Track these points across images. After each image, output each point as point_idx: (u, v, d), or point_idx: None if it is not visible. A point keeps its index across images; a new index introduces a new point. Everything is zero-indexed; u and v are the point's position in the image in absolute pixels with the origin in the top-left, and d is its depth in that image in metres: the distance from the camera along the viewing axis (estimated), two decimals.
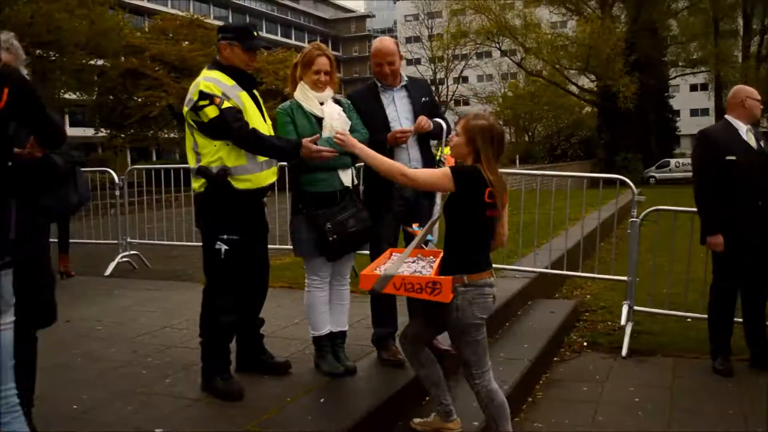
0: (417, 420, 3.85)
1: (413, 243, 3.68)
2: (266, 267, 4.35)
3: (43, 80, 24.52)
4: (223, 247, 3.90)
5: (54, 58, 25.18)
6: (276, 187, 5.94)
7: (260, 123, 3.99)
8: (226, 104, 3.82)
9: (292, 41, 78.43)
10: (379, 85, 4.44)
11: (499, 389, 3.58)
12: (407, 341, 3.71)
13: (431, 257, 3.74)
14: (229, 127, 3.80)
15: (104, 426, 3.51)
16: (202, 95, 3.81)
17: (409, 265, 3.61)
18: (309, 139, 3.93)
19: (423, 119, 4.30)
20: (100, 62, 29.66)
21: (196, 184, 3.98)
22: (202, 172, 3.90)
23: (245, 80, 4.04)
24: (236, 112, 3.84)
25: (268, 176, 4.04)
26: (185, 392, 3.96)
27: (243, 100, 3.93)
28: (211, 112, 3.80)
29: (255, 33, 4.08)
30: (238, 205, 3.93)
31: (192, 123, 3.89)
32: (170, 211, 9.65)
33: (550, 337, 5.72)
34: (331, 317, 4.28)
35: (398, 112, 4.39)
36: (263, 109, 4.14)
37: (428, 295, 3.28)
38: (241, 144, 3.85)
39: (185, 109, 3.93)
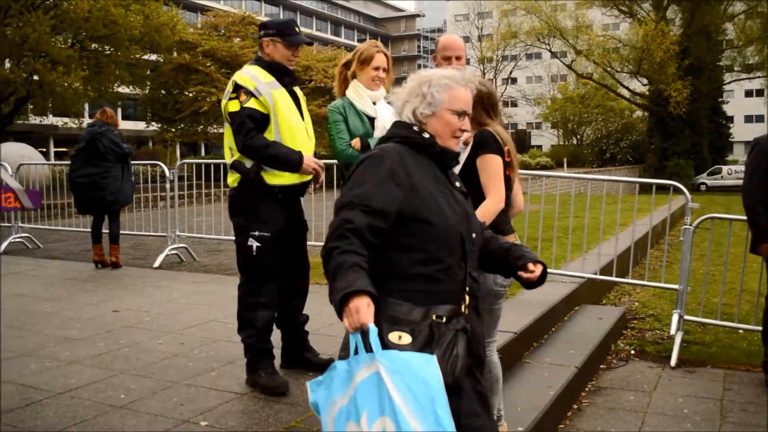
0: None
1: None
2: (304, 264, 4.31)
3: (98, 74, 25.02)
4: (255, 244, 3.93)
5: (109, 52, 25.63)
6: (324, 184, 5.93)
7: (295, 121, 4.01)
8: (249, 104, 3.85)
9: (342, 39, 78.84)
10: None
11: (498, 362, 3.46)
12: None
13: None
14: (238, 128, 3.85)
15: (150, 416, 3.55)
16: (236, 87, 3.88)
17: None
18: (355, 141, 3.98)
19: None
20: (153, 57, 30.13)
21: (231, 178, 4.03)
22: (235, 166, 3.95)
23: (286, 77, 4.07)
24: (252, 119, 3.84)
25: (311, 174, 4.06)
26: (230, 386, 3.98)
27: (276, 97, 3.92)
28: (233, 106, 3.86)
29: (297, 29, 4.09)
30: (270, 201, 3.94)
31: (226, 116, 3.94)
32: (218, 206, 9.76)
33: (597, 343, 5.63)
34: None
35: None
36: (302, 106, 4.15)
37: None
38: (241, 152, 3.89)
39: (223, 101, 3.99)
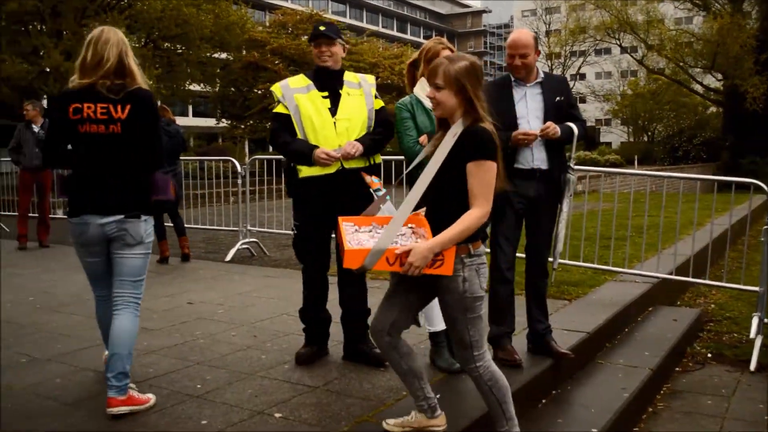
0: (392, 421, 3.35)
1: (401, 210, 3.04)
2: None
3: (170, 72, 25.63)
4: (294, 232, 4.40)
5: (181, 51, 26.23)
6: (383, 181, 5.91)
7: (319, 119, 4.15)
8: (276, 109, 4.27)
9: (408, 36, 78.81)
10: (512, 79, 4.36)
11: (499, 371, 3.22)
12: (384, 332, 3.18)
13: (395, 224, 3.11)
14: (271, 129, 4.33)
15: (226, 406, 3.62)
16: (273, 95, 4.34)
17: (372, 235, 3.09)
18: (422, 137, 4.02)
19: (549, 126, 4.20)
20: (223, 55, 30.70)
21: None
22: (283, 161, 4.38)
23: (326, 79, 4.23)
24: (278, 121, 4.24)
25: (336, 164, 4.10)
26: (303, 379, 4.03)
27: (298, 100, 4.18)
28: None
29: (320, 27, 4.26)
30: (303, 192, 4.25)
31: None
32: (288, 201, 9.86)
33: (672, 346, 5.49)
34: None
35: (528, 109, 4.30)
36: (340, 104, 4.20)
37: (428, 268, 2.89)
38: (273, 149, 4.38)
39: None
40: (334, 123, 4.16)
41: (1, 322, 5.38)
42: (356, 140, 4.12)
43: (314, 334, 4.45)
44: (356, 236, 3.06)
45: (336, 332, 4.54)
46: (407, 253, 2.85)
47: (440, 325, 4.19)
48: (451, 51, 4.18)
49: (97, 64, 3.52)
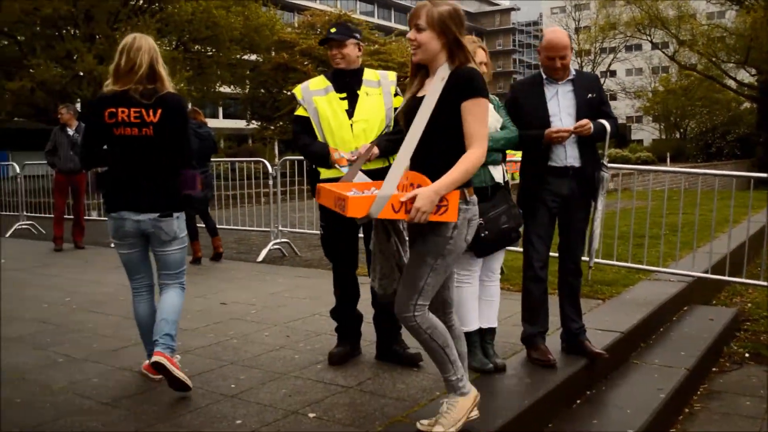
0: (425, 421, 3.25)
1: (401, 155, 2.94)
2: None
3: (201, 74, 25.87)
4: (321, 233, 4.45)
5: (211, 53, 26.48)
6: None
7: (336, 121, 4.16)
8: (297, 111, 4.32)
9: None
10: (544, 77, 4.33)
11: (437, 319, 3.10)
12: (426, 309, 3.03)
13: (374, 188, 3.09)
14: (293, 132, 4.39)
15: (260, 406, 3.64)
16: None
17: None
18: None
19: (584, 123, 4.16)
20: (253, 57, 30.93)
21: None
22: (307, 162, 4.47)
23: (343, 80, 4.23)
24: (298, 123, 4.30)
25: (368, 164, 4.08)
26: (336, 379, 4.04)
27: (317, 103, 4.21)
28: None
29: (332, 30, 4.29)
30: None
31: None
32: (310, 202, 9.91)
33: (708, 345, 5.41)
34: (480, 313, 4.24)
35: (560, 107, 4.26)
36: (357, 105, 4.19)
37: (433, 215, 2.80)
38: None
39: None
40: (351, 125, 4.17)
41: (1, 321, 5.49)
42: (372, 142, 4.11)
43: (346, 333, 4.46)
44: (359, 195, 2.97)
45: (368, 332, 4.54)
46: (413, 199, 2.75)
47: (473, 324, 4.18)
48: (485, 50, 4.17)
49: (130, 70, 3.76)
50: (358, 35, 4.32)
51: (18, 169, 13.04)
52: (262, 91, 33.97)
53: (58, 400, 3.79)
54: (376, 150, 4.05)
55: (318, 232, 9.09)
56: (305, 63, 31.30)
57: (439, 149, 2.96)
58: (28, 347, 4.83)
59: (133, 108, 3.74)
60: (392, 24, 71.92)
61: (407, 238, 3.18)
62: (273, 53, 31.82)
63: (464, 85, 2.91)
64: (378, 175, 4.11)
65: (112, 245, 4.26)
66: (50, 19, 21.27)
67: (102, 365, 4.38)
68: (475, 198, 3.07)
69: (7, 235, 11.79)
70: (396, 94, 4.27)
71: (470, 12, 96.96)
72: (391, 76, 4.35)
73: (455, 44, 2.95)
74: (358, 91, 4.21)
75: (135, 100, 3.74)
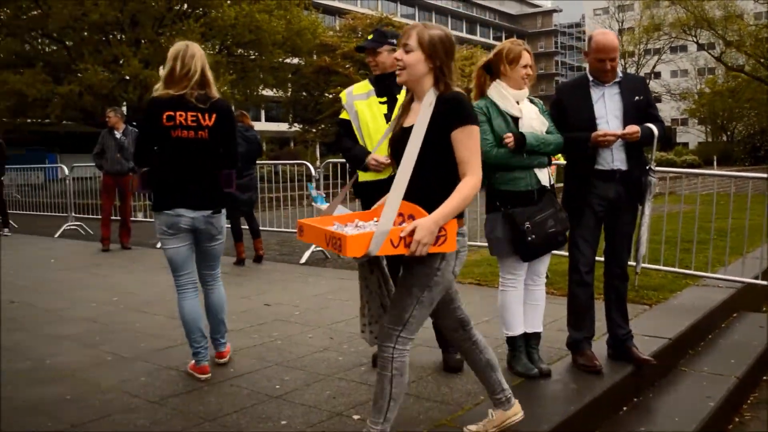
0: (473, 427, 3.28)
1: (396, 187, 2.80)
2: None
3: (244, 78, 26.15)
4: None
5: (254, 57, 26.75)
6: None
7: (374, 125, 4.22)
8: (341, 115, 4.42)
9: (477, 38, 78.44)
10: (590, 79, 4.28)
11: (407, 370, 2.97)
12: (407, 347, 2.97)
13: (357, 219, 3.02)
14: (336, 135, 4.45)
15: (305, 407, 3.66)
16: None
17: (356, 227, 2.93)
18: (508, 135, 3.94)
19: (632, 131, 4.10)
20: (295, 60, 31.15)
21: None
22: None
23: (383, 84, 4.26)
24: (341, 126, 4.40)
25: (388, 170, 4.10)
26: None
27: (358, 107, 4.27)
28: None
29: (369, 36, 4.34)
30: (362, 196, 4.35)
31: None
32: (357, 204, 9.93)
33: (759, 354, 5.28)
34: (524, 318, 4.20)
35: (607, 109, 4.21)
36: (393, 111, 4.19)
37: (432, 246, 2.71)
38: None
39: None
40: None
41: (1, 320, 5.60)
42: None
43: None
44: (344, 229, 2.86)
45: None
46: (412, 232, 2.65)
47: (518, 329, 4.15)
48: (529, 53, 4.14)
49: (185, 75, 3.98)
50: (394, 41, 4.31)
51: (66, 171, 13.31)
52: (304, 94, 34.22)
53: (107, 397, 3.87)
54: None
55: None
56: (347, 66, 31.44)
57: (432, 179, 2.87)
58: (79, 346, 4.93)
59: (191, 112, 3.99)
60: None
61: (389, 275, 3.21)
62: (315, 56, 32.03)
63: (453, 112, 2.84)
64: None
65: (158, 245, 4.38)
66: (98, 24, 21.70)
67: (149, 364, 4.45)
68: (465, 229, 3.01)
69: (56, 235, 12.05)
70: None
71: (511, 14, 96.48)
72: None
73: (442, 70, 2.88)
74: (398, 96, 4.22)
75: (192, 105, 3.98)
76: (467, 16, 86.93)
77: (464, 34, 79.30)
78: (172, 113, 3.96)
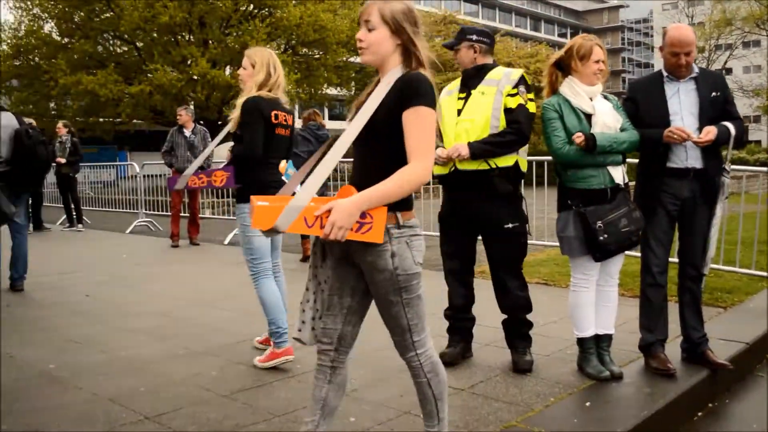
0: None
1: (326, 161, 2.48)
2: (492, 257, 4.36)
3: (308, 77, 26.38)
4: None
5: (318, 56, 26.96)
6: (534, 181, 5.81)
7: (448, 120, 4.27)
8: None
9: (542, 35, 77.47)
10: (665, 75, 4.18)
11: (441, 361, 2.84)
12: (331, 347, 2.84)
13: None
14: None
15: (373, 405, 3.67)
16: None
17: None
18: (577, 134, 3.90)
19: (706, 137, 3.96)
20: (359, 59, 31.25)
21: None
22: None
23: (466, 79, 4.31)
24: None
25: (462, 164, 4.14)
26: (448, 380, 3.99)
27: (440, 103, 4.30)
28: None
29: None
30: (444, 189, 4.43)
31: None
32: (426, 202, 9.92)
33: None
34: (596, 319, 4.13)
35: (681, 105, 4.10)
36: (468, 104, 4.22)
37: (354, 233, 2.39)
38: None
39: None
40: (456, 124, 4.20)
41: (1, 319, 5.74)
42: (470, 143, 4.10)
43: (458, 334, 4.43)
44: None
45: (480, 334, 4.51)
46: (329, 212, 2.36)
47: (588, 330, 4.08)
48: (602, 48, 4.07)
49: (276, 80, 4.40)
50: (472, 36, 4.30)
51: (138, 169, 13.67)
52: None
53: (180, 390, 3.95)
54: (465, 152, 4.07)
55: (425, 232, 9.14)
56: None
57: (383, 165, 2.48)
58: (151, 339, 5.05)
59: (285, 113, 4.46)
60: (497, 24, 71.24)
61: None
62: None
63: (407, 93, 2.48)
64: (471, 176, 4.14)
65: (226, 241, 4.45)
66: (167, 26, 22.16)
67: (219, 359, 4.53)
68: (414, 220, 2.63)
69: (128, 231, 12.39)
70: (515, 94, 4.14)
71: (577, 10, 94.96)
72: (514, 74, 4.22)
73: (411, 45, 2.57)
74: (473, 91, 4.20)
75: (283, 106, 4.45)
76: (531, 13, 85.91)
77: (528, 31, 78.40)
78: (277, 113, 4.38)
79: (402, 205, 2.52)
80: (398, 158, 2.46)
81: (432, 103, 2.49)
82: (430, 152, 2.47)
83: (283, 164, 4.56)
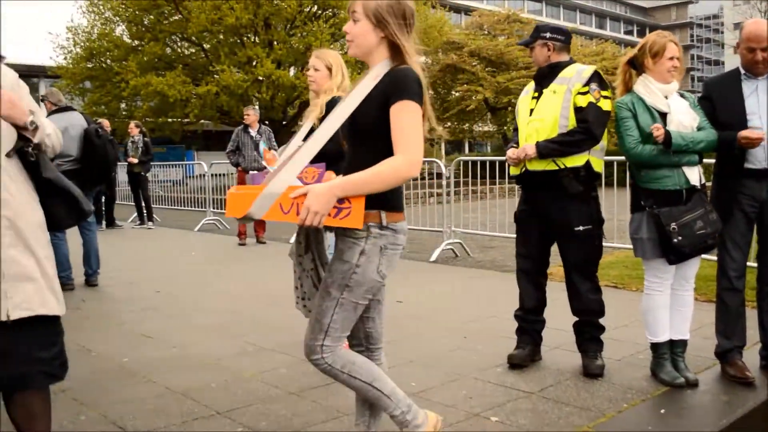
0: None
1: (305, 149, 2.47)
2: (566, 260, 4.28)
3: None
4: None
5: None
6: (603, 181, 5.71)
7: (522, 119, 4.28)
8: None
9: (607, 32, 76.06)
10: (742, 72, 4.04)
11: (352, 352, 2.71)
12: (336, 349, 2.62)
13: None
14: None
15: (441, 406, 3.64)
16: None
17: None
18: (655, 126, 3.81)
19: None
20: (421, 59, 31.19)
21: None
22: None
23: (539, 78, 4.27)
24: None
25: (531, 164, 4.13)
26: (517, 383, 3.97)
27: (518, 103, 4.39)
28: None
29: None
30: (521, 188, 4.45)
31: None
32: (492, 202, 9.86)
33: None
34: (670, 324, 4.02)
35: (759, 104, 3.95)
36: (540, 103, 4.18)
37: (332, 219, 2.36)
38: None
39: None
40: (528, 124, 4.17)
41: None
42: (538, 142, 4.06)
43: (527, 336, 4.38)
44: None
45: (549, 337, 4.46)
46: (305, 197, 2.33)
47: (663, 335, 3.98)
48: (676, 44, 3.97)
49: (346, 82, 4.46)
50: (546, 34, 4.24)
51: (206, 168, 13.94)
52: (431, 92, 34.25)
53: (250, 386, 4.00)
54: (532, 151, 4.04)
55: (490, 233, 9.11)
56: (474, 63, 31.16)
57: (368, 158, 2.44)
58: (223, 336, 5.14)
59: None
60: (561, 22, 70.31)
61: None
62: (441, 55, 31.98)
63: (392, 86, 2.44)
64: (541, 176, 4.10)
65: (291, 240, 4.50)
66: (233, 27, 22.52)
67: (288, 356, 4.57)
68: (401, 225, 2.57)
69: (196, 229, 12.65)
70: (587, 92, 4.04)
71: (643, 6, 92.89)
72: (586, 72, 4.12)
73: (395, 38, 2.50)
74: (545, 90, 4.15)
75: None
76: (596, 10, 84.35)
77: (593, 29, 77.00)
78: None
79: (387, 203, 2.49)
80: (388, 154, 2.42)
81: (418, 97, 2.44)
82: (414, 146, 2.41)
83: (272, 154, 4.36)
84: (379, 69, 2.50)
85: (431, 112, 2.56)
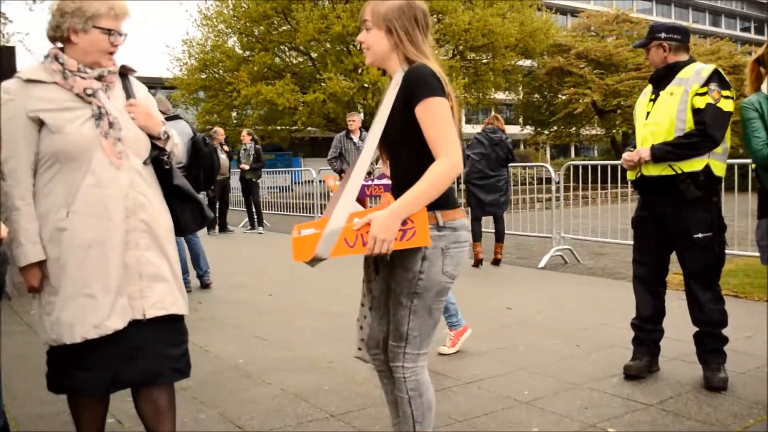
0: None
1: (351, 180, 2.45)
2: (687, 268, 4.09)
3: (476, 81, 26.39)
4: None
5: (486, 60, 26.90)
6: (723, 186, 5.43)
7: (638, 122, 4.19)
8: None
9: (722, 30, 72.76)
10: None
11: (431, 386, 2.58)
12: (419, 361, 2.53)
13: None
14: None
15: (556, 416, 3.57)
16: None
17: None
18: None
19: None
20: (527, 62, 30.88)
21: None
22: None
23: (655, 79, 4.13)
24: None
25: (646, 168, 4.01)
26: (634, 395, 3.84)
27: (636, 106, 4.27)
28: None
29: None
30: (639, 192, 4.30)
31: None
32: (597, 207, 9.61)
33: None
34: None
35: None
36: (656, 104, 4.05)
37: (399, 242, 2.28)
38: None
39: None
40: (644, 127, 4.05)
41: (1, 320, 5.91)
42: (653, 145, 3.92)
43: (644, 346, 4.23)
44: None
45: (668, 347, 4.30)
46: (368, 225, 2.27)
47: None
48: None
49: None
50: (660, 34, 4.08)
51: (314, 174, 14.22)
52: (537, 96, 33.76)
53: (362, 390, 4.05)
54: (646, 154, 3.92)
55: (600, 239, 8.88)
56: (581, 66, 30.50)
57: (411, 168, 2.39)
58: (331, 339, 5.23)
59: None
60: (672, 20, 67.86)
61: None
62: (548, 57, 31.49)
63: (413, 88, 2.38)
64: (656, 181, 3.98)
65: None
66: (339, 35, 22.97)
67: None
68: (459, 221, 2.48)
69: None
70: (704, 93, 3.84)
71: (762, 2, 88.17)
72: (705, 71, 3.91)
73: (407, 43, 2.45)
74: (662, 92, 4.01)
75: None
76: (710, 7, 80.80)
77: (707, 27, 73.80)
78: None
79: (441, 203, 2.40)
80: (427, 157, 2.36)
81: (440, 91, 2.36)
82: (451, 143, 2.34)
83: (332, 182, 3.99)
84: (398, 76, 2.47)
85: (457, 111, 2.49)
